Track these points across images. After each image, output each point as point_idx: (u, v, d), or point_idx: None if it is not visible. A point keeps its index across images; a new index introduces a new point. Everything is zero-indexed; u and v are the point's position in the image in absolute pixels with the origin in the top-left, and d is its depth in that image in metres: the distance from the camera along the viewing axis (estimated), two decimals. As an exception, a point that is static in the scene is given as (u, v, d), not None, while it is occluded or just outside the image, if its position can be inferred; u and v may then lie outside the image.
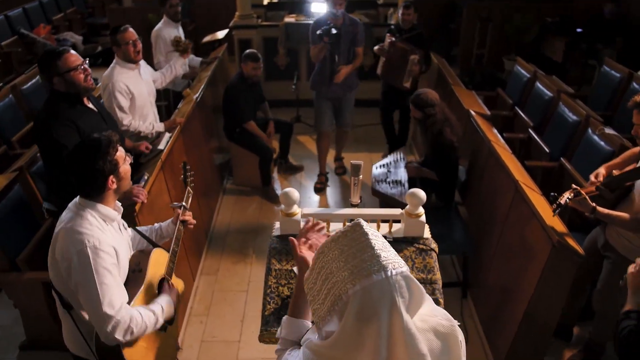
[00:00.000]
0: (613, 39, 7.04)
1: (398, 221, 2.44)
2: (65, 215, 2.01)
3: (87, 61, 2.82)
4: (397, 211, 2.41)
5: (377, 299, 1.11)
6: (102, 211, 2.01)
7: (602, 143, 3.71)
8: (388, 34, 5.08)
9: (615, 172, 2.76)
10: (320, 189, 5.22)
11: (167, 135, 3.82)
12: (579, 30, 7.28)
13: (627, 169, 2.77)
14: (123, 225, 2.23)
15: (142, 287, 2.12)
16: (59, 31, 8.41)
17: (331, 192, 5.23)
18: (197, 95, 4.61)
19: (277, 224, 2.47)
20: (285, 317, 1.61)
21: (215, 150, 5.26)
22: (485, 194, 3.81)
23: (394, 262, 1.15)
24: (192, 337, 3.52)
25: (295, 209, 2.42)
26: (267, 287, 2.21)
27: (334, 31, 4.43)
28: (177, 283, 2.40)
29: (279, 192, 4.84)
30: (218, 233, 4.62)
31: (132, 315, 1.94)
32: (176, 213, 2.48)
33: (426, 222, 2.40)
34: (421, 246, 2.33)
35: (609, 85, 5.17)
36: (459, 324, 1.27)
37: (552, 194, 2.71)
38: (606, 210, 2.62)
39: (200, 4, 8.75)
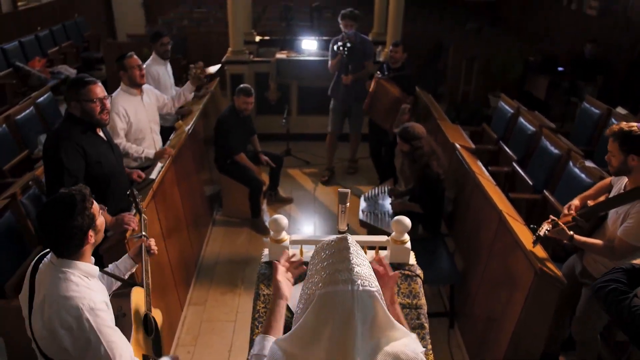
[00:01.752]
0: (594, 77, 7.29)
1: (384, 248, 2.49)
2: (45, 280, 1.87)
3: (109, 98, 2.94)
4: (383, 238, 2.47)
5: (337, 306, 1.21)
6: (83, 268, 1.91)
7: (582, 175, 3.82)
8: (377, 73, 5.27)
9: (590, 203, 2.87)
10: (326, 182, 6.03)
11: (159, 165, 3.87)
12: (560, 69, 7.54)
13: (600, 199, 2.88)
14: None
15: (133, 332, 2.12)
16: (53, 64, 8.53)
17: (320, 222, 5.28)
18: (188, 127, 4.69)
19: (266, 250, 2.51)
20: (259, 336, 1.68)
21: (205, 182, 5.32)
22: (470, 225, 3.88)
23: (364, 279, 1.23)
24: (179, 367, 3.49)
25: (284, 235, 2.47)
26: (256, 312, 2.24)
27: (348, 44, 5.41)
28: (157, 314, 2.41)
29: (268, 224, 4.89)
30: (207, 264, 4.63)
31: None
32: (138, 243, 2.43)
33: (413, 253, 2.47)
34: (407, 272, 2.38)
35: (589, 121, 5.35)
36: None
37: (531, 226, 2.81)
38: (583, 238, 2.74)
39: (194, 39, 8.97)
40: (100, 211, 2.00)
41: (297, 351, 1.30)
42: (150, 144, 4.04)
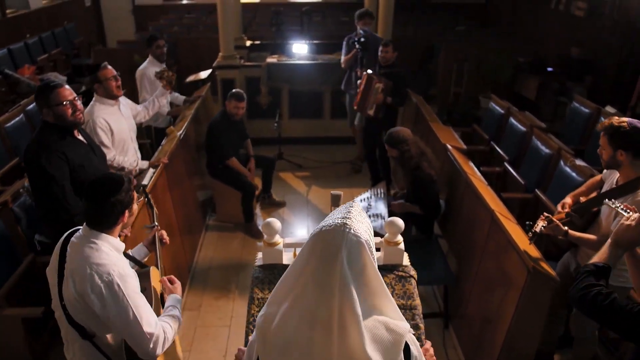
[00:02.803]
0: (582, 78, 7.36)
1: (378, 249, 2.50)
2: (77, 250, 2.01)
3: (79, 98, 2.91)
4: (376, 239, 2.47)
5: (325, 241, 1.25)
6: (112, 242, 2.07)
7: (573, 174, 3.85)
8: (367, 71, 5.29)
9: (583, 199, 2.89)
10: (358, 170, 6.32)
11: (151, 171, 3.86)
12: (549, 69, 7.60)
13: (592, 195, 2.90)
14: None
15: (154, 305, 2.20)
16: (43, 71, 8.47)
17: (313, 225, 5.26)
18: (180, 132, 4.68)
19: (260, 254, 2.51)
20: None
21: (198, 187, 5.30)
22: (463, 225, 3.89)
23: (358, 228, 1.27)
24: (173, 373, 3.47)
25: (278, 238, 2.47)
26: (250, 315, 2.24)
27: (362, 39, 5.61)
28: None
29: (261, 227, 4.88)
30: (200, 269, 4.61)
31: (164, 327, 2.07)
32: (152, 233, 2.55)
33: (407, 254, 2.47)
34: (400, 273, 2.38)
35: (579, 121, 5.39)
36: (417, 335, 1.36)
37: (527, 222, 2.83)
38: (577, 233, 2.77)
39: (184, 45, 8.95)
40: (137, 201, 2.17)
41: (277, 301, 1.33)
42: (132, 153, 3.94)
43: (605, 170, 2.92)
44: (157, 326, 2.03)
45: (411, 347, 1.39)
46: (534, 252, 2.79)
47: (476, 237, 3.55)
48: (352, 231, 1.25)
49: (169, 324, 2.13)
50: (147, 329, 1.98)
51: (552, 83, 7.29)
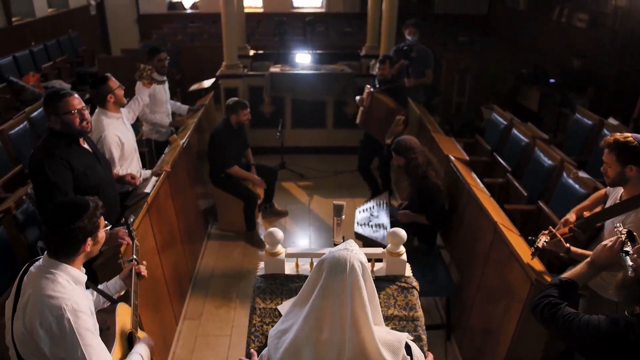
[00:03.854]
0: (584, 89, 7.37)
1: (380, 260, 2.49)
2: (32, 280, 1.89)
3: (87, 107, 2.93)
4: (379, 250, 2.47)
5: (328, 260, 1.61)
6: (72, 273, 1.93)
7: (576, 186, 3.84)
8: (367, 86, 5.27)
9: (586, 214, 2.87)
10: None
11: (154, 179, 3.86)
12: (552, 80, 7.62)
13: (596, 210, 2.89)
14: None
15: (115, 344, 2.10)
16: (47, 79, 8.53)
17: (315, 235, 5.27)
18: (183, 141, 4.69)
19: (262, 264, 2.51)
20: None
21: (200, 195, 5.31)
22: (466, 236, 3.89)
23: (357, 251, 1.64)
24: (174, 383, 3.46)
25: (280, 248, 2.47)
26: (252, 325, 2.23)
27: (405, 48, 5.95)
28: (141, 335, 2.37)
29: (263, 237, 4.88)
30: (202, 278, 4.60)
31: None
32: (129, 267, 2.44)
33: (410, 265, 2.47)
34: (403, 284, 2.38)
35: (581, 132, 5.39)
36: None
37: (529, 237, 2.81)
38: (580, 250, 2.72)
39: (188, 53, 9.01)
40: (104, 228, 2.04)
41: (289, 318, 1.69)
42: (136, 163, 3.92)
43: None
44: None
45: (412, 346, 1.66)
46: (537, 264, 2.78)
47: (478, 249, 3.54)
48: (354, 252, 1.60)
49: None
50: None
51: (554, 94, 7.29)
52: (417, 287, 2.38)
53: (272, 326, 2.21)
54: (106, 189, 3.11)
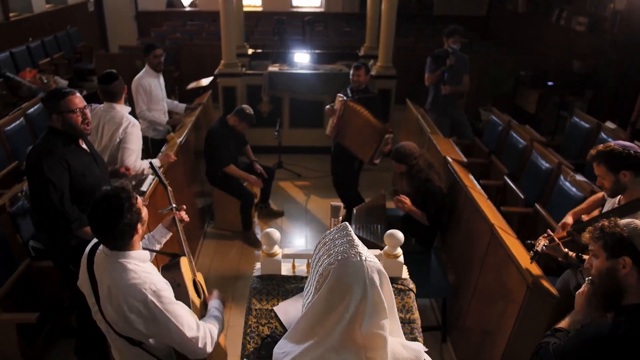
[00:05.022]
0: (583, 92, 7.38)
1: (377, 262, 2.48)
2: (104, 272, 2.01)
3: (90, 107, 2.92)
4: (375, 252, 2.46)
5: (351, 275, 1.33)
6: (136, 256, 2.04)
7: (573, 189, 3.84)
8: (339, 95, 4.92)
9: (585, 217, 2.87)
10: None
11: (150, 177, 3.85)
12: (550, 83, 7.63)
13: (594, 213, 2.89)
14: None
15: (191, 299, 2.26)
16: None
17: (311, 235, 5.26)
18: (180, 139, 4.68)
19: (258, 265, 2.50)
20: None
21: (197, 194, 5.29)
22: (463, 238, 3.88)
23: (370, 257, 1.38)
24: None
25: (276, 249, 2.46)
26: (247, 326, 2.22)
27: (440, 54, 5.89)
28: (200, 277, 2.58)
29: (259, 236, 4.87)
30: (198, 277, 4.58)
31: (209, 327, 2.15)
32: (170, 216, 2.54)
33: (406, 266, 2.46)
34: (399, 286, 2.37)
35: (579, 135, 5.40)
36: None
37: (528, 241, 2.81)
38: None
39: (186, 51, 8.98)
40: (143, 205, 2.11)
41: (301, 337, 1.41)
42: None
43: None
44: (200, 328, 2.10)
45: None
46: (533, 267, 2.77)
47: (475, 251, 3.53)
48: (369, 260, 1.35)
49: (213, 324, 2.22)
50: (190, 334, 2.04)
51: (552, 97, 7.31)
52: (414, 289, 2.37)
53: (268, 327, 2.20)
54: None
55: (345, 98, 4.84)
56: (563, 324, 2.05)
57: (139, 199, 2.06)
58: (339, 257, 1.34)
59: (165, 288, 2.04)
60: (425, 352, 1.49)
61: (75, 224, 2.82)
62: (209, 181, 5.15)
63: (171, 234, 2.57)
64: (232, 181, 5.02)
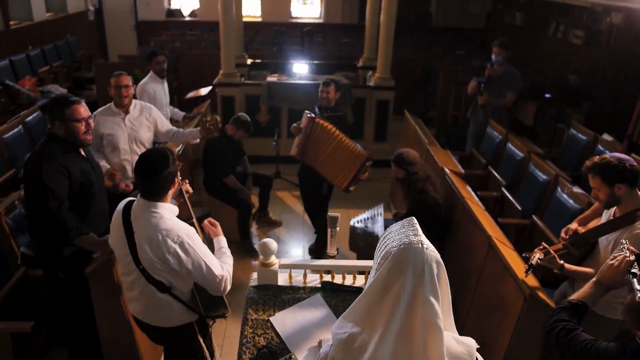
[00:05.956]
0: (580, 104, 7.43)
1: (374, 273, 2.47)
2: (142, 220, 2.30)
3: (93, 117, 2.93)
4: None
5: (410, 258, 1.37)
6: (169, 208, 2.36)
7: (570, 201, 3.85)
8: (306, 112, 4.64)
9: (581, 230, 2.87)
10: None
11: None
12: (547, 95, 7.67)
13: (590, 225, 2.89)
14: None
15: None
16: (44, 83, 8.51)
17: (308, 243, 5.24)
18: (178, 148, 4.68)
19: (255, 274, 2.50)
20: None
21: (194, 204, 5.28)
22: (460, 250, 3.88)
23: (432, 247, 1.42)
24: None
25: (273, 259, 2.45)
26: (243, 337, 2.21)
27: (475, 64, 5.91)
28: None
29: (256, 246, 4.85)
30: (194, 286, 4.55)
31: (227, 268, 2.45)
32: (178, 187, 2.59)
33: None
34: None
35: (576, 147, 5.42)
36: None
37: (523, 254, 2.81)
38: (573, 267, 2.73)
39: (185, 61, 9.02)
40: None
41: (361, 322, 1.43)
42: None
43: None
44: (224, 267, 2.42)
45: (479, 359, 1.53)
46: (531, 279, 2.77)
47: (472, 262, 3.53)
48: (430, 250, 1.39)
49: (228, 263, 2.49)
50: (217, 272, 2.35)
51: (549, 109, 7.35)
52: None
53: (264, 338, 2.19)
54: (98, 199, 3.07)
55: (312, 115, 4.55)
56: (579, 296, 2.07)
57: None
58: (401, 243, 1.40)
59: (195, 233, 2.37)
60: (477, 349, 1.49)
61: (72, 232, 2.79)
62: (207, 190, 5.15)
63: (178, 204, 2.68)
64: (230, 191, 5.01)
